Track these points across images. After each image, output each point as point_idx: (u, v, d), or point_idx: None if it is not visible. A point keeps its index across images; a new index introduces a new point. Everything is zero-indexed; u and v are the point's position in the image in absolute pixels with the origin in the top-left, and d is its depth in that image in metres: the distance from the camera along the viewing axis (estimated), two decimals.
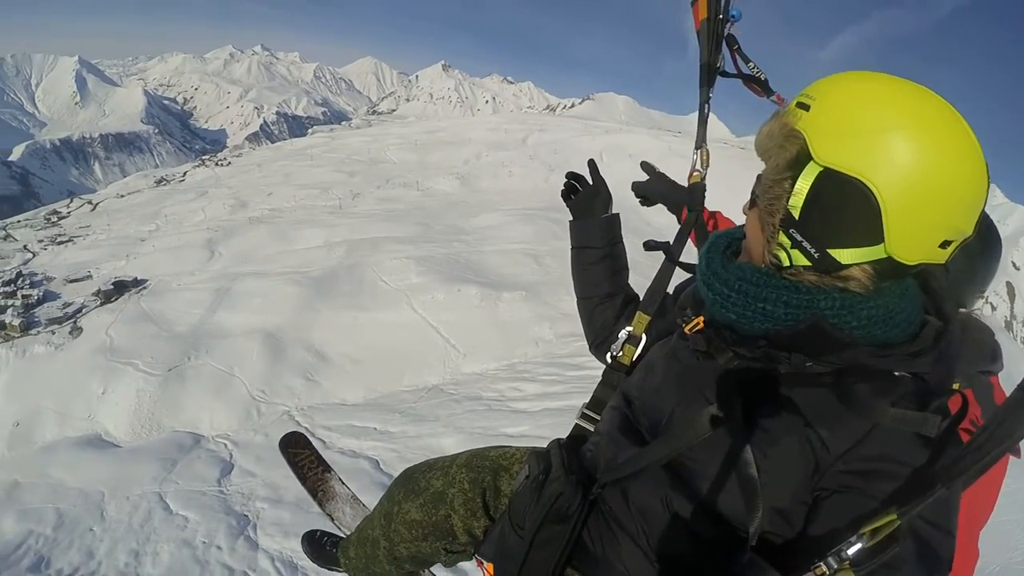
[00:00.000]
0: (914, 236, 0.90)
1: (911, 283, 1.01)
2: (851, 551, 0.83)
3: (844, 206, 0.90)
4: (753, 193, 1.07)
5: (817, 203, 0.92)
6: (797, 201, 0.94)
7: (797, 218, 0.94)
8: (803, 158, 0.94)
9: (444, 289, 25.45)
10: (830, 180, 0.90)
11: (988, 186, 0.90)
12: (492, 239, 32.99)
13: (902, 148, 0.86)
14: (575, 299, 1.74)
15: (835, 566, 0.83)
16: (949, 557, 0.89)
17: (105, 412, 23.65)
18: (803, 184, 0.93)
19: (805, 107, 0.95)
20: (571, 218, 1.72)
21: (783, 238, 0.97)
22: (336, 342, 23.76)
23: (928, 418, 0.91)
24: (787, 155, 0.96)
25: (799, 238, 0.95)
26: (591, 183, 1.70)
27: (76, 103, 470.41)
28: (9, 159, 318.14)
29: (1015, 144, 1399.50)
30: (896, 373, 0.96)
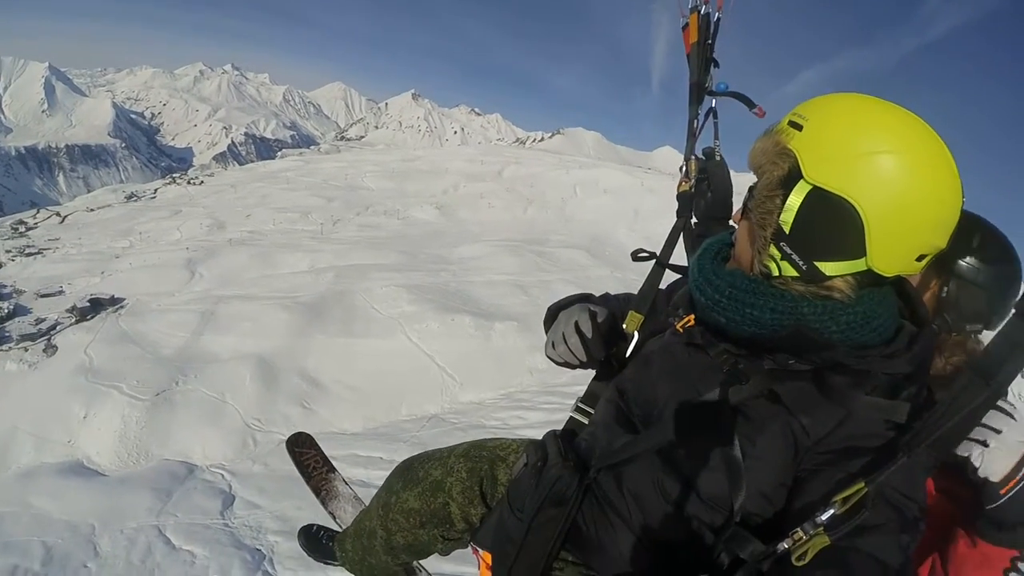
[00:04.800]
0: (894, 252, 0.96)
1: (888, 290, 1.08)
2: (824, 517, 0.92)
3: (832, 223, 0.96)
4: (744, 204, 1.12)
5: (806, 219, 0.98)
6: (788, 217, 0.99)
7: (788, 232, 1.00)
8: (794, 175, 0.99)
9: (438, 319, 25.39)
10: (819, 198, 0.96)
11: (962, 204, 0.97)
12: (478, 269, 33.18)
13: (887, 172, 0.92)
14: None
15: (811, 531, 0.93)
16: (919, 521, 0.97)
17: (87, 437, 22.41)
18: (794, 201, 0.98)
19: (798, 127, 1.00)
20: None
21: (773, 250, 1.03)
22: (331, 369, 23.33)
23: (898, 406, 1.00)
24: (779, 172, 1.01)
25: (788, 251, 1.01)
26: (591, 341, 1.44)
27: (44, 111, 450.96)
28: None
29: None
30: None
